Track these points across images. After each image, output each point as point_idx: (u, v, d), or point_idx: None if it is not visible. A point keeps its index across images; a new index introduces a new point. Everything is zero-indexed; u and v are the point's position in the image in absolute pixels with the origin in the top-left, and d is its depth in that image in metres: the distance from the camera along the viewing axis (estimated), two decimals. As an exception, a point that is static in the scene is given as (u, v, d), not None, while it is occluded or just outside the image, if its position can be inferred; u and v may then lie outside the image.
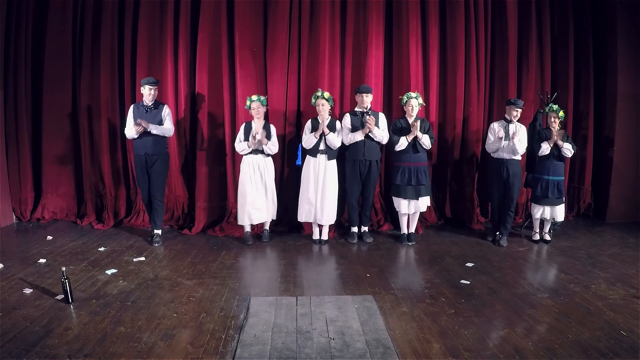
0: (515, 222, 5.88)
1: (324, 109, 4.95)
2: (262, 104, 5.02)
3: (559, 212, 5.16)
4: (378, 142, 5.12)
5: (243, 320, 3.26)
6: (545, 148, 5.05)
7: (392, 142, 5.08)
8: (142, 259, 4.55)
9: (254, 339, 2.98)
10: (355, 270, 4.34)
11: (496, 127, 5.17)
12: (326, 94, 5.00)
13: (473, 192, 6.00)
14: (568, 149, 5.01)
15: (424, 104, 5.35)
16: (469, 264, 4.49)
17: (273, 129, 5.12)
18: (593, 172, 6.36)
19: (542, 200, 5.14)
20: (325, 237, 5.19)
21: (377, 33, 5.68)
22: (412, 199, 5.07)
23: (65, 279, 3.44)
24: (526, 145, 5.14)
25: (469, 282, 4.01)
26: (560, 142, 4.98)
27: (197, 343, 2.94)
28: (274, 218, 5.31)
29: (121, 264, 4.39)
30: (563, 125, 5.46)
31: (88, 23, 5.65)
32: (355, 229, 5.32)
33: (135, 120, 4.89)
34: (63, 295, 3.49)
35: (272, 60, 5.60)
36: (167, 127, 5.05)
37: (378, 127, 5.03)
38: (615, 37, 5.99)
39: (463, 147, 6.01)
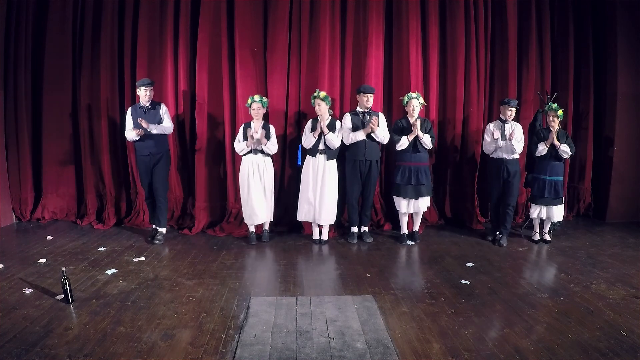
0: (515, 222, 5.88)
1: (320, 109, 4.96)
2: (263, 106, 5.03)
3: (557, 213, 5.15)
4: (378, 142, 5.13)
5: (243, 320, 3.26)
6: (542, 149, 5.04)
7: (393, 142, 5.09)
8: (142, 259, 4.55)
9: (254, 339, 2.98)
10: (355, 270, 4.34)
11: (492, 127, 5.19)
12: (322, 94, 4.99)
13: (473, 192, 5.99)
14: (565, 151, 4.99)
15: (425, 104, 5.34)
16: (469, 264, 4.49)
17: (272, 128, 5.13)
18: (593, 172, 6.36)
19: (539, 200, 5.14)
20: (325, 237, 5.20)
21: (377, 33, 5.68)
22: (412, 198, 5.08)
23: (65, 279, 3.44)
24: (524, 143, 5.15)
25: (469, 282, 4.01)
26: (557, 143, 4.97)
27: (197, 343, 2.94)
28: (271, 220, 5.31)
29: (121, 264, 4.39)
30: (563, 125, 5.46)
31: (88, 23, 5.66)
32: (355, 229, 5.32)
33: (134, 121, 4.90)
34: (63, 295, 3.49)
35: (272, 60, 5.60)
36: (167, 126, 5.09)
37: (378, 126, 5.02)
38: (615, 37, 5.99)
39: (463, 147, 6.01)
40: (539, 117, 5.46)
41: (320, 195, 5.04)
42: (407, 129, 5.06)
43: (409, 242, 5.19)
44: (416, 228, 5.32)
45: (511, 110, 5.08)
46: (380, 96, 5.75)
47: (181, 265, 4.41)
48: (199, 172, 5.69)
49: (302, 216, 5.19)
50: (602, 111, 6.29)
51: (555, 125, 5.00)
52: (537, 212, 5.20)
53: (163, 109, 5.11)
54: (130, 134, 4.96)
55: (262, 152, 5.02)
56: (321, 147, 5.00)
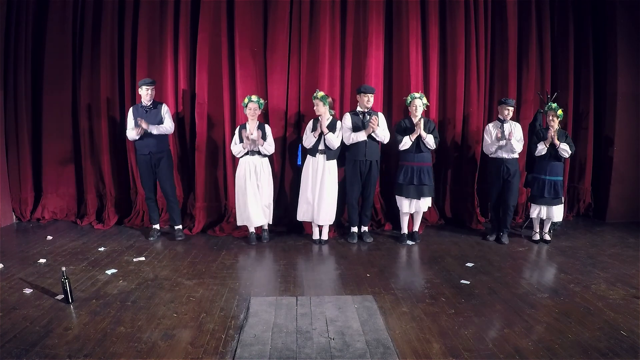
0: (515, 222, 5.89)
1: (318, 109, 4.95)
2: (259, 107, 5.02)
3: (556, 212, 5.15)
4: (378, 142, 5.13)
5: (243, 320, 3.26)
6: (542, 149, 5.04)
7: (396, 142, 5.09)
8: (142, 259, 4.55)
9: (254, 339, 2.98)
10: (355, 270, 4.34)
11: (491, 128, 5.21)
12: (320, 94, 4.98)
13: (473, 192, 5.99)
14: (565, 150, 4.99)
15: (428, 104, 5.34)
16: (469, 264, 4.49)
17: (268, 129, 5.12)
18: (593, 172, 6.36)
19: (538, 199, 5.14)
20: (325, 237, 5.20)
21: (377, 33, 5.68)
22: (414, 198, 5.08)
23: (65, 279, 3.44)
24: (523, 142, 5.16)
25: (469, 282, 4.01)
26: (556, 142, 4.98)
27: (197, 343, 2.94)
28: (270, 222, 5.28)
29: (121, 264, 4.39)
30: (563, 125, 5.46)
31: (88, 23, 5.65)
32: (355, 229, 5.32)
33: (135, 121, 4.91)
34: (63, 295, 3.49)
35: (272, 60, 5.60)
36: (167, 126, 5.11)
37: (378, 126, 5.02)
38: (615, 37, 5.99)
39: (463, 147, 6.01)
40: (539, 117, 5.46)
41: (319, 195, 5.04)
42: (410, 129, 5.06)
43: (409, 242, 5.19)
44: (416, 228, 5.33)
45: (508, 110, 5.09)
46: (380, 96, 5.75)
47: (181, 265, 4.41)
48: (198, 172, 5.69)
49: (301, 216, 5.19)
50: (602, 111, 6.29)
51: (554, 125, 5.00)
52: (537, 212, 5.20)
53: (164, 108, 5.13)
54: (131, 133, 4.99)
55: (259, 153, 5.01)
56: (321, 147, 5.00)
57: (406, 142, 5.02)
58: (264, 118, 5.51)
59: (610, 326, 3.19)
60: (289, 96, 5.65)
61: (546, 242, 5.23)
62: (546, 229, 5.28)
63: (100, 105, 5.71)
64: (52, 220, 5.93)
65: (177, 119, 5.67)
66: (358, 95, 5.11)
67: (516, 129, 5.10)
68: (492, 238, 5.32)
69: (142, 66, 5.58)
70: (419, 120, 5.03)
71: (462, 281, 4.04)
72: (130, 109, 5.11)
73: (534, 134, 5.24)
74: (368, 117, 5.00)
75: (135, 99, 5.60)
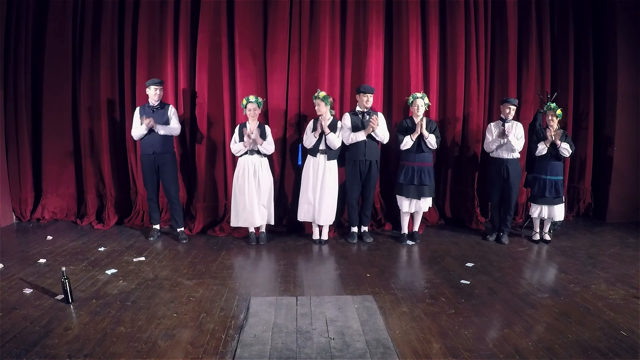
0: (515, 222, 5.89)
1: (319, 109, 4.95)
2: (258, 106, 5.02)
3: (558, 212, 5.16)
4: (378, 142, 5.13)
5: (243, 320, 3.26)
6: (542, 148, 5.05)
7: (397, 141, 5.09)
8: (142, 259, 4.55)
9: (254, 339, 2.98)
10: (355, 270, 4.34)
11: (493, 126, 5.22)
12: (321, 94, 4.98)
13: (473, 192, 5.99)
14: (565, 149, 4.99)
15: (430, 104, 5.34)
16: (469, 264, 4.49)
17: (268, 128, 5.11)
18: (593, 172, 6.36)
19: (539, 199, 5.14)
20: (325, 237, 5.20)
21: (377, 33, 5.69)
22: (414, 198, 5.08)
23: (65, 279, 3.44)
24: (524, 142, 5.16)
25: (469, 282, 4.01)
26: (557, 142, 4.98)
27: (197, 343, 2.94)
28: (271, 223, 5.24)
29: (121, 264, 4.39)
30: (563, 125, 5.46)
31: (88, 23, 5.65)
32: (355, 229, 5.32)
33: (142, 120, 4.92)
34: (63, 295, 3.49)
35: (272, 60, 5.60)
36: (174, 127, 5.11)
37: (378, 125, 5.02)
38: (615, 37, 5.99)
39: (463, 147, 6.01)
40: (539, 117, 5.46)
41: (320, 195, 5.04)
42: (411, 129, 5.06)
43: (409, 242, 5.19)
44: (416, 228, 5.33)
45: (509, 108, 5.10)
46: (380, 96, 5.75)
47: (181, 265, 4.41)
48: (199, 172, 5.69)
49: (301, 216, 5.19)
50: (602, 111, 6.29)
51: (554, 125, 5.00)
52: (538, 211, 5.20)
53: (171, 110, 5.14)
54: (137, 132, 4.99)
55: (258, 152, 5.00)
56: (322, 147, 5.00)
57: (407, 142, 5.02)
58: (264, 118, 5.51)
59: (610, 326, 3.19)
60: (289, 96, 5.65)
61: (546, 242, 5.23)
62: (546, 229, 5.28)
63: (100, 105, 5.71)
64: (52, 220, 5.93)
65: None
66: (357, 95, 5.11)
67: (518, 128, 5.11)
68: (492, 238, 5.32)
69: (142, 66, 5.58)
70: (421, 119, 5.03)
71: (462, 281, 4.04)
72: (137, 109, 5.11)
73: (534, 134, 5.25)
74: (367, 117, 5.01)
75: (135, 98, 5.60)
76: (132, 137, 5.22)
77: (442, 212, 6.15)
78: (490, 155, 5.26)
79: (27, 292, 3.67)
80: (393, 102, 5.90)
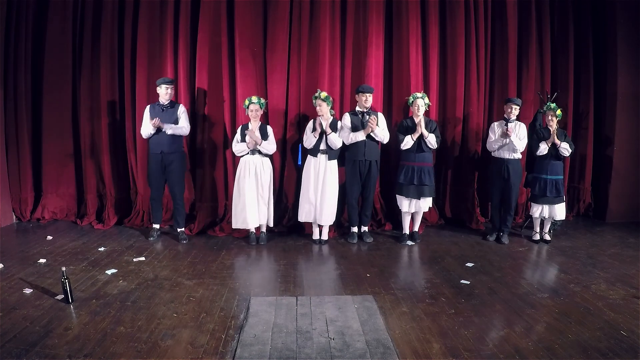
0: (515, 222, 5.89)
1: (321, 110, 4.96)
2: (261, 107, 5.01)
3: (559, 211, 5.16)
4: (378, 142, 5.13)
5: (243, 320, 3.26)
6: (544, 148, 5.05)
7: (397, 141, 5.09)
8: (142, 259, 4.55)
9: (254, 339, 2.98)
10: (355, 270, 4.34)
11: (496, 126, 5.23)
12: (323, 94, 4.99)
13: (473, 192, 5.99)
14: (565, 148, 5.00)
15: (430, 104, 5.34)
16: (469, 264, 4.49)
17: (269, 129, 5.11)
18: (593, 172, 6.37)
19: (540, 199, 5.14)
20: (325, 237, 5.19)
21: (377, 33, 5.69)
22: (414, 198, 5.08)
23: (65, 279, 3.44)
24: (526, 142, 5.16)
25: (469, 282, 4.01)
26: (557, 141, 4.98)
27: (197, 343, 2.94)
28: (270, 225, 5.25)
29: (121, 264, 4.39)
30: (563, 124, 5.46)
31: (88, 23, 5.65)
32: (355, 229, 5.32)
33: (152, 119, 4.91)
34: (63, 295, 3.49)
35: (272, 60, 5.60)
36: (182, 126, 5.09)
37: (378, 126, 5.02)
38: (615, 37, 5.99)
39: (463, 147, 6.01)
40: (539, 117, 5.46)
41: (321, 195, 5.04)
42: (412, 129, 5.06)
43: (409, 242, 5.19)
44: (416, 228, 5.33)
45: (512, 107, 5.11)
46: (380, 96, 5.75)
47: (181, 265, 4.41)
48: (199, 172, 5.69)
49: (303, 217, 5.18)
50: (602, 111, 6.29)
51: (553, 124, 5.01)
52: (539, 211, 5.20)
53: (181, 109, 5.12)
54: (146, 129, 4.98)
55: (259, 152, 5.00)
56: (322, 147, 5.00)
57: (408, 142, 5.02)
58: (264, 118, 5.51)
59: (610, 326, 3.19)
60: (289, 96, 5.65)
61: (546, 242, 5.23)
62: (546, 229, 5.29)
63: (100, 105, 5.70)
64: (52, 220, 5.93)
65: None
66: (357, 95, 5.12)
67: (520, 128, 5.12)
68: (492, 238, 5.32)
69: (142, 66, 5.58)
70: (421, 119, 5.03)
71: (462, 281, 4.04)
72: (147, 107, 5.09)
73: (534, 134, 5.25)
74: (367, 117, 5.00)
75: (135, 98, 5.60)
76: (133, 136, 5.22)
77: (442, 212, 6.16)
78: (492, 154, 5.26)
79: (27, 292, 3.67)
80: (393, 102, 5.90)
